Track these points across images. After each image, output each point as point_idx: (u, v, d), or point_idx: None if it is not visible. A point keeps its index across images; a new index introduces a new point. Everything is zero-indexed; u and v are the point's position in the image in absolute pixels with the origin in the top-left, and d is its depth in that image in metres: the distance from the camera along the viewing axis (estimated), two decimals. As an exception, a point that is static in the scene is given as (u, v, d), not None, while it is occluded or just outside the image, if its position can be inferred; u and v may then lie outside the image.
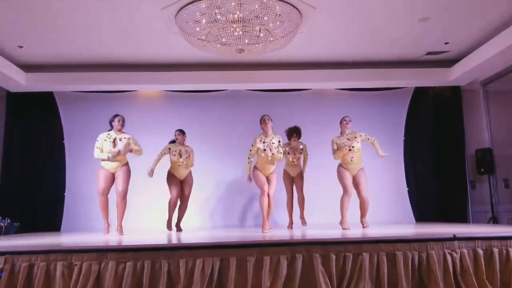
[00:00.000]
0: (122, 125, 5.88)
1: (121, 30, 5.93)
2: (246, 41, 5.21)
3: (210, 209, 7.42)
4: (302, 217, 6.33)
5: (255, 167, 5.79)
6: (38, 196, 7.36)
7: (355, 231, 4.95)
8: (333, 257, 3.41)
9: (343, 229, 5.53)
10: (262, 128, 5.75)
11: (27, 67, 7.05)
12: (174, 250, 3.42)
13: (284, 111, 7.64)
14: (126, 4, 5.22)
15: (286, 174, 6.31)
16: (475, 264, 3.53)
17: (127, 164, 5.93)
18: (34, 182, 7.39)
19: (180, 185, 6.33)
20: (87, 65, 7.14)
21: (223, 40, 5.21)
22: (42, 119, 7.58)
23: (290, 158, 6.24)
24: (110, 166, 5.81)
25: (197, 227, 7.13)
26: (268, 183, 5.69)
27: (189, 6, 5.01)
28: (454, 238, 3.56)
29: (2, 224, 6.35)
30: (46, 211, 7.31)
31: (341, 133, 5.95)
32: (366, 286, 3.36)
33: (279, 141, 5.75)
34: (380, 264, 3.43)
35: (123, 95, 7.69)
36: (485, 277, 3.49)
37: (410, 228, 5.64)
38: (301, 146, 6.28)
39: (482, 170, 7.54)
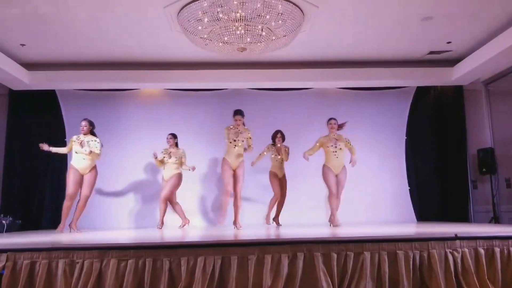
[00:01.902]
0: (84, 130, 6.12)
1: (123, 28, 5.93)
2: (248, 39, 5.21)
3: (210, 207, 7.42)
4: (277, 218, 6.63)
5: (224, 158, 6.01)
6: (40, 194, 7.38)
7: (356, 230, 4.94)
8: (334, 256, 3.41)
9: (334, 226, 5.91)
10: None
11: (30, 65, 7.06)
12: (175, 248, 3.42)
13: (286, 110, 7.67)
14: (129, 2, 5.22)
15: (272, 174, 6.60)
16: (477, 264, 3.52)
17: (95, 167, 6.11)
18: (36, 180, 7.41)
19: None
20: (89, 64, 7.14)
21: (225, 38, 5.21)
22: (44, 117, 7.59)
23: (275, 159, 6.54)
24: (81, 166, 6.00)
25: (198, 225, 7.16)
26: (235, 180, 5.90)
27: (191, 4, 5.01)
28: (456, 237, 3.55)
29: (4, 221, 6.37)
30: (48, 209, 7.31)
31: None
32: (367, 285, 3.36)
33: (249, 137, 6.05)
34: (381, 263, 3.42)
35: (125, 93, 7.71)
36: (486, 277, 3.48)
37: (411, 228, 5.64)
38: (285, 148, 6.59)
39: (484, 170, 7.52)
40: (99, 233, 5.65)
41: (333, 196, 6.05)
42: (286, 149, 6.61)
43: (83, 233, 5.69)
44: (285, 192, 6.61)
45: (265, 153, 6.60)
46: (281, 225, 6.52)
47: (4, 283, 3.23)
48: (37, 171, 7.44)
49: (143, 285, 3.29)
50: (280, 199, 6.62)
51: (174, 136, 6.70)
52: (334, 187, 6.03)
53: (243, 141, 6.01)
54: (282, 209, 6.66)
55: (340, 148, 6.05)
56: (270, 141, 6.73)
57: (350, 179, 7.02)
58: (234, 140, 5.95)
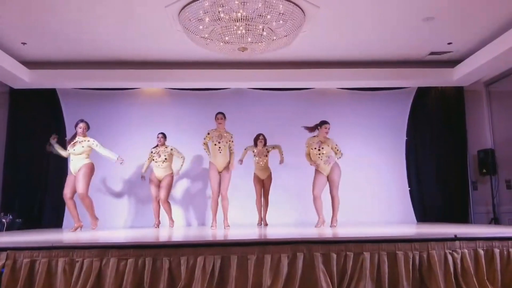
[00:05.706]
0: (83, 133, 6.00)
1: (124, 27, 5.94)
2: (249, 39, 5.22)
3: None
4: (264, 218, 6.67)
5: (210, 162, 5.98)
6: (41, 193, 7.38)
7: (356, 231, 4.95)
8: (334, 256, 3.40)
9: (317, 226, 5.83)
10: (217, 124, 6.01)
11: (30, 64, 7.06)
12: (175, 248, 3.42)
13: (286, 109, 7.67)
14: (130, 1, 5.23)
15: (255, 177, 6.64)
16: (476, 265, 3.52)
17: (85, 165, 5.87)
18: (37, 179, 7.41)
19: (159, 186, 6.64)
20: (90, 62, 7.15)
21: (226, 38, 5.22)
22: (45, 116, 7.60)
23: (257, 162, 6.58)
24: (72, 169, 5.91)
25: (196, 225, 7.16)
26: (220, 181, 5.88)
27: (192, 4, 5.02)
28: (455, 238, 3.55)
29: (4, 220, 6.37)
30: (48, 208, 7.32)
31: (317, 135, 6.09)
32: (366, 286, 3.36)
33: (231, 140, 5.97)
34: (381, 263, 3.42)
35: (126, 92, 7.71)
36: (485, 278, 3.48)
37: (411, 228, 5.63)
38: (266, 150, 6.62)
39: (484, 171, 7.53)
40: (99, 232, 5.65)
41: (316, 198, 5.95)
42: (271, 149, 6.65)
43: (83, 232, 5.69)
44: (266, 196, 6.65)
45: (248, 151, 6.69)
46: (267, 225, 6.55)
47: (4, 281, 3.23)
48: (38, 169, 7.44)
49: (142, 284, 3.29)
50: (263, 202, 6.69)
51: (164, 135, 6.74)
52: (317, 190, 5.90)
53: (225, 144, 5.94)
54: (268, 209, 6.71)
55: (323, 152, 5.89)
56: (270, 141, 6.74)
57: (350, 179, 7.03)
58: (218, 143, 5.92)
